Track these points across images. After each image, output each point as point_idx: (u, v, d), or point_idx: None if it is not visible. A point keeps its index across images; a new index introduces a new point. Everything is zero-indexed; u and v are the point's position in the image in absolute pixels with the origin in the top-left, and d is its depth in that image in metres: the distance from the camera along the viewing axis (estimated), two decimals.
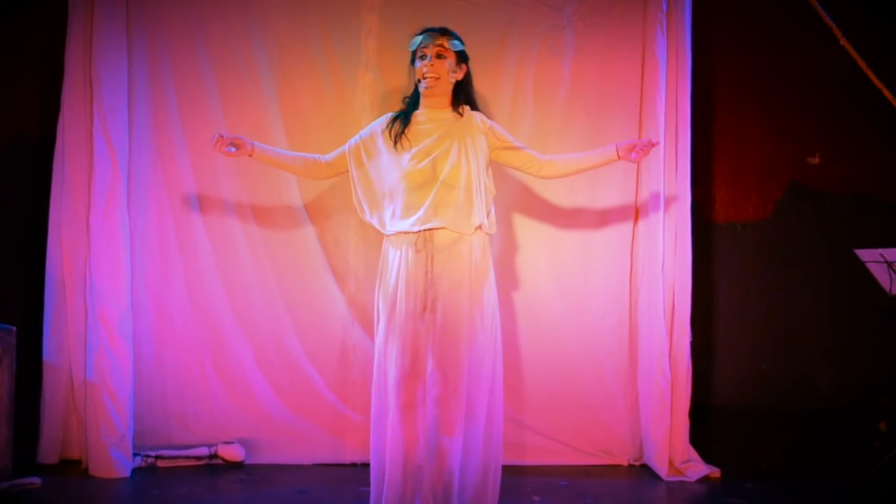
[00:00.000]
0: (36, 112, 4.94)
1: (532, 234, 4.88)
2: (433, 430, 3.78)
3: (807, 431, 5.16)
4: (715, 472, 4.67)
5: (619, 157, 4.03)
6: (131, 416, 4.55)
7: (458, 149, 3.92)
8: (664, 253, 4.71)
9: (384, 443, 3.85)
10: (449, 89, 4.01)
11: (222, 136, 4.01)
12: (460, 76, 4.03)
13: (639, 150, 4.02)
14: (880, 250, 4.53)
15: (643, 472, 4.78)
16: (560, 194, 4.86)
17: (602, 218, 4.88)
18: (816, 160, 5.32)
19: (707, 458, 4.71)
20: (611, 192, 4.86)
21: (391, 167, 3.96)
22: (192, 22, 4.71)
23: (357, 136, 4.12)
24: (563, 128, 4.83)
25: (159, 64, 4.69)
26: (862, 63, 4.58)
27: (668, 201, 4.71)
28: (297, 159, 4.16)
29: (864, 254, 4.61)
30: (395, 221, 3.92)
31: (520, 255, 4.88)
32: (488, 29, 4.80)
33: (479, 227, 3.92)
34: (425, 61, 3.96)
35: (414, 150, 3.93)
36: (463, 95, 4.04)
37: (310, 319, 4.79)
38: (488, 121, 4.07)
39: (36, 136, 4.96)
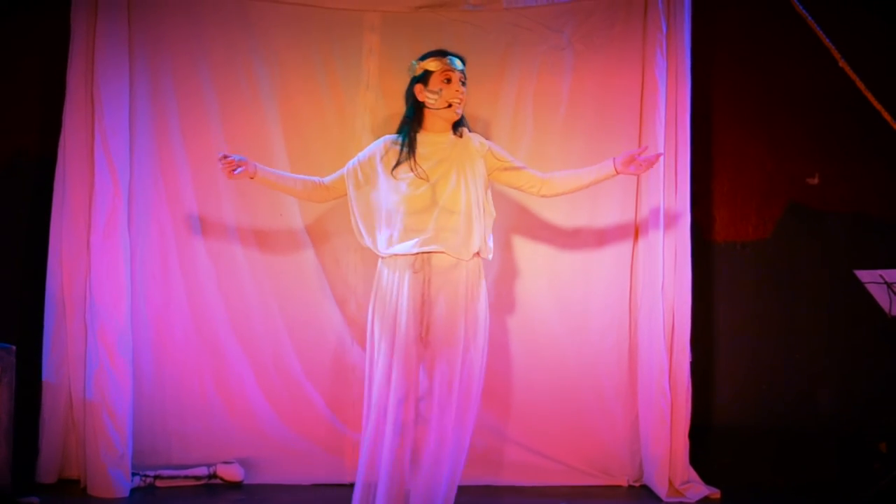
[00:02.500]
0: (37, 131, 4.94)
1: (532, 254, 4.89)
2: (421, 450, 3.82)
3: (807, 452, 5.14)
4: (715, 493, 4.66)
5: (617, 172, 4.02)
6: (130, 435, 4.54)
7: (458, 173, 3.91)
8: (664, 272, 4.71)
9: (377, 462, 3.83)
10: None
11: (228, 158, 3.97)
12: None
13: (639, 164, 3.99)
14: (880, 271, 4.53)
15: (643, 492, 4.77)
16: (560, 214, 4.87)
17: (602, 237, 4.88)
18: (816, 180, 5.33)
19: (707, 478, 4.70)
20: (610, 211, 4.87)
21: (389, 191, 3.93)
22: (193, 42, 4.73)
23: (355, 160, 4.08)
24: (563, 148, 4.84)
25: (161, 83, 4.70)
26: (861, 84, 4.58)
27: (668, 221, 4.72)
28: (297, 181, 4.13)
29: (863, 275, 4.61)
30: (393, 244, 3.90)
31: (519, 274, 4.88)
32: (489, 49, 4.82)
33: (478, 252, 3.93)
34: (454, 85, 3.93)
35: (412, 174, 3.91)
36: (461, 120, 4.02)
37: (309, 339, 4.79)
38: (487, 142, 4.06)
39: (37, 154, 4.95)
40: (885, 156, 5.21)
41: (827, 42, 4.49)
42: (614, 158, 4.02)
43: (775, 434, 5.19)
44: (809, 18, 4.42)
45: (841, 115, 5.25)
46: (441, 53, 3.98)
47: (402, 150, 3.95)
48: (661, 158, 4.61)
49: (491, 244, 4.00)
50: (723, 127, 5.28)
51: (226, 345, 4.74)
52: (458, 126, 4.02)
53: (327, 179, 4.11)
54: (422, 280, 3.85)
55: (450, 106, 3.93)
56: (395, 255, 3.88)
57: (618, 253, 4.87)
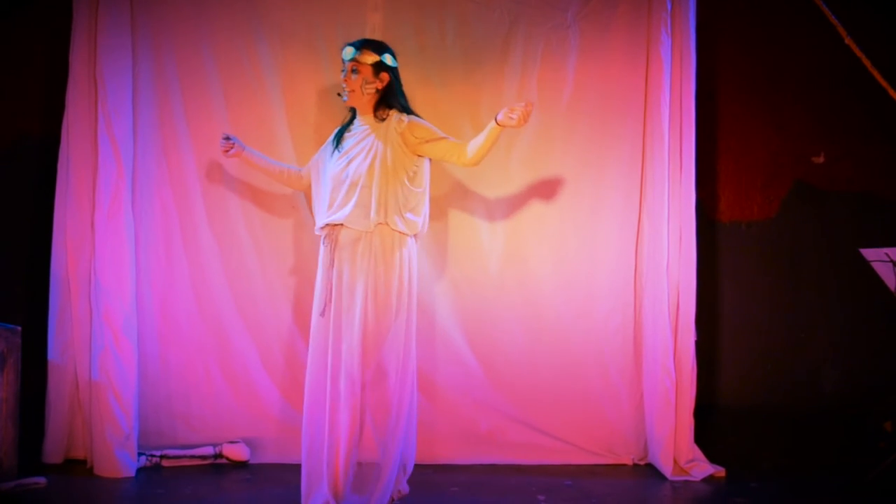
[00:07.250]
0: (41, 112, 4.95)
1: (536, 235, 4.88)
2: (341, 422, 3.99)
3: (811, 431, 5.15)
4: (720, 472, 4.67)
5: (497, 124, 4.04)
6: (136, 415, 4.56)
7: (371, 149, 4.10)
8: (669, 252, 4.71)
9: (318, 436, 4.07)
10: (369, 98, 4.18)
11: (231, 141, 4.38)
12: (380, 85, 4.17)
13: (515, 114, 3.99)
14: (885, 250, 4.53)
15: (648, 471, 4.78)
16: (564, 194, 4.86)
17: (607, 217, 4.87)
18: (821, 159, 5.31)
19: (712, 457, 4.71)
20: (615, 192, 4.86)
21: (328, 170, 4.22)
22: (197, 23, 4.71)
23: (319, 151, 4.38)
24: (568, 128, 4.83)
25: (164, 64, 4.70)
26: (867, 62, 4.57)
27: (673, 201, 4.71)
28: (277, 167, 4.52)
29: (869, 253, 4.61)
30: (318, 219, 4.19)
31: (524, 255, 4.88)
32: (492, 28, 4.81)
33: (384, 224, 4.02)
34: (343, 76, 4.19)
35: (339, 153, 4.20)
36: (384, 102, 4.17)
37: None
38: (407, 118, 4.15)
39: (41, 136, 4.96)
40: (891, 133, 5.19)
41: (833, 19, 4.48)
42: (496, 116, 4.05)
43: (780, 413, 5.20)
44: None
45: (847, 93, 5.23)
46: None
47: (339, 132, 4.27)
48: (666, 142, 4.60)
49: (412, 217, 4.08)
50: (728, 106, 5.27)
51: (230, 325, 4.76)
52: (379, 108, 4.17)
53: (303, 169, 4.48)
54: (329, 252, 4.07)
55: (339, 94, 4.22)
56: (319, 230, 4.15)
57: (623, 233, 4.87)
